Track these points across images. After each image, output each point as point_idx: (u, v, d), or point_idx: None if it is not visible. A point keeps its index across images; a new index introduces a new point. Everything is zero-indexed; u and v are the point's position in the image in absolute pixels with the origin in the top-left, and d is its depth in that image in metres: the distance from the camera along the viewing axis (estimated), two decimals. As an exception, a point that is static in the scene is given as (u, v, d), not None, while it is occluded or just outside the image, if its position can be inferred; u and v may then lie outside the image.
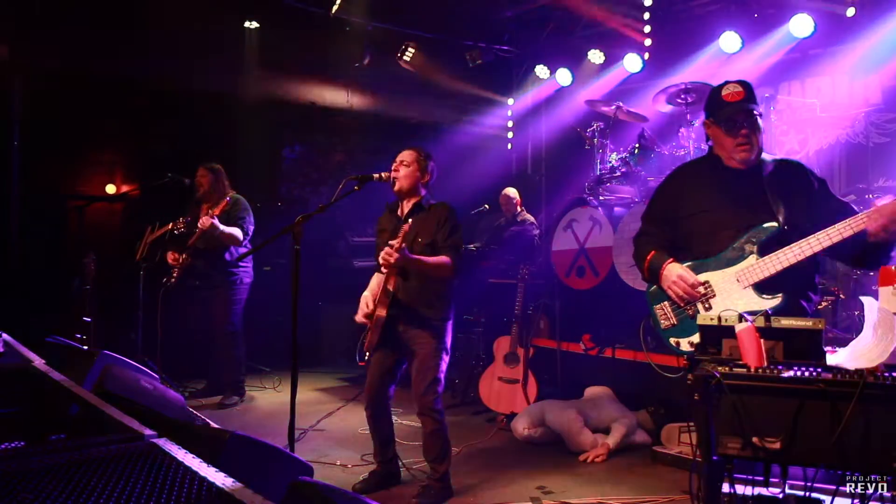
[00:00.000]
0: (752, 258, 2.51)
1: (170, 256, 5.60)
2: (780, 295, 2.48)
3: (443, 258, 3.60)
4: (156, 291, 5.51)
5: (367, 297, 3.74)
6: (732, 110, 2.61)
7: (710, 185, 2.74)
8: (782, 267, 2.43)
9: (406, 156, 3.76)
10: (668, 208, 2.84)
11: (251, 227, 5.65)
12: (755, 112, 2.62)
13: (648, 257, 2.76)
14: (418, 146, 3.86)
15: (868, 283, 4.38)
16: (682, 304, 2.64)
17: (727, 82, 2.67)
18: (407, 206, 3.78)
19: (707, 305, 2.58)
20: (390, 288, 3.53)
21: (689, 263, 2.66)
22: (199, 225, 5.29)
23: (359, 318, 3.71)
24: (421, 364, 3.66)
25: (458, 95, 8.23)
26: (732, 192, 2.68)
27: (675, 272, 2.63)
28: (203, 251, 5.56)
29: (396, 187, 3.73)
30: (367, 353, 3.60)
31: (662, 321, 2.71)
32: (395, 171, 3.72)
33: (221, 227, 5.33)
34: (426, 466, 3.79)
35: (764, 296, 2.50)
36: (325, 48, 7.08)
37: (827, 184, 2.70)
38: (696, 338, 2.53)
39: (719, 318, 2.19)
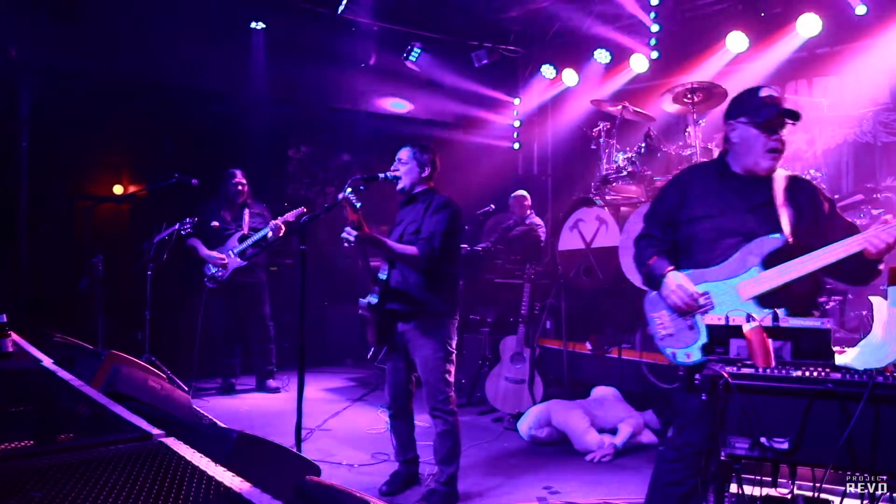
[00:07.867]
0: (755, 270, 2.43)
1: None
2: (781, 309, 2.43)
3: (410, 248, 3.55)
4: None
5: None
6: (775, 112, 2.49)
7: (716, 191, 2.66)
8: (785, 280, 2.36)
9: (403, 153, 3.74)
10: (670, 210, 2.76)
11: None
12: (791, 122, 2.52)
13: (650, 262, 2.69)
14: (416, 142, 3.81)
15: (876, 282, 4.33)
16: (680, 314, 2.58)
17: (763, 87, 2.58)
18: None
19: None
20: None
21: (690, 272, 2.59)
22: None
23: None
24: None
25: (463, 96, 8.22)
26: (739, 198, 2.60)
27: (675, 281, 2.55)
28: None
29: (399, 186, 3.73)
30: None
31: (660, 330, 2.64)
32: (395, 169, 3.73)
33: None
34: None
35: (765, 309, 2.40)
36: (332, 48, 7.08)
37: (835, 204, 2.64)
38: (693, 350, 2.52)
39: (727, 318, 2.18)
